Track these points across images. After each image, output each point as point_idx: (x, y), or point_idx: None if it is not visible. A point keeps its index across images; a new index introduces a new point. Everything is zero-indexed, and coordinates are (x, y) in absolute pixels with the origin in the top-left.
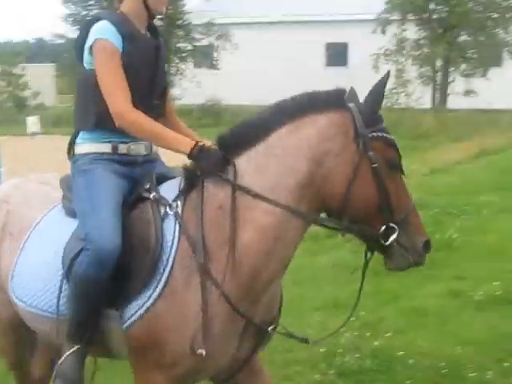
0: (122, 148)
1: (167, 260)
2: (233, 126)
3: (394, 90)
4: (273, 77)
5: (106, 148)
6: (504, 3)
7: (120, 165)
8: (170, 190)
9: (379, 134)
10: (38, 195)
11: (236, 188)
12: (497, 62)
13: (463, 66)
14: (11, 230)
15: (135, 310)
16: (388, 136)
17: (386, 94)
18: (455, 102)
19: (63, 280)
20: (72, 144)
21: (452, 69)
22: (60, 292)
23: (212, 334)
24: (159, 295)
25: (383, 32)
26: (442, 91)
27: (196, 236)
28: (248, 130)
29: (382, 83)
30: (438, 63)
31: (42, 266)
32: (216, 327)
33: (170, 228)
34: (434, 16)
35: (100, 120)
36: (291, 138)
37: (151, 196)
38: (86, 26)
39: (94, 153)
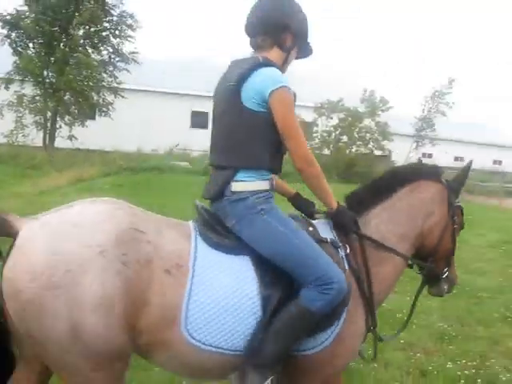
0: (272, 184)
1: None
2: (362, 185)
3: (14, 131)
4: None
5: (267, 185)
6: (98, 76)
7: None
8: (324, 232)
9: (459, 204)
10: (159, 223)
11: (366, 239)
12: (92, 116)
13: (67, 118)
14: (165, 266)
15: (326, 337)
16: (462, 206)
17: (7, 134)
18: (62, 142)
19: (262, 320)
20: (227, 182)
21: (59, 119)
22: (257, 331)
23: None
24: (343, 321)
25: (6, 88)
26: (51, 134)
27: (361, 274)
28: (377, 188)
29: (468, 169)
30: (49, 114)
31: (228, 308)
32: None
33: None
34: (47, 80)
35: (270, 159)
36: (413, 197)
37: (329, 239)
38: (250, 67)
39: (264, 190)
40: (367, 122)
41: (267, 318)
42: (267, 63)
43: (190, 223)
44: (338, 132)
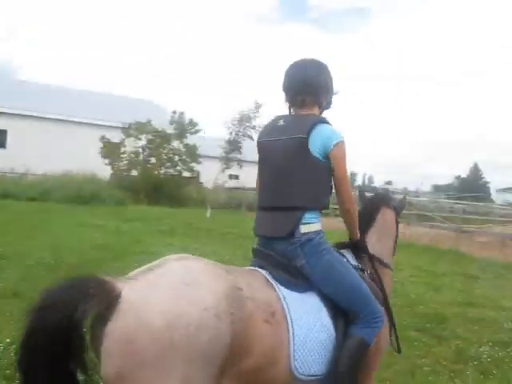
0: None
1: None
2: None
3: None
4: None
5: (321, 225)
6: None
7: None
8: (351, 259)
9: (399, 220)
10: (244, 275)
11: (374, 259)
12: None
13: None
14: (263, 317)
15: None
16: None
17: None
18: None
19: (336, 347)
20: (297, 223)
21: None
22: (333, 358)
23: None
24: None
25: None
26: None
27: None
28: (367, 212)
29: (405, 198)
30: None
31: (316, 339)
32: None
33: None
34: None
35: (326, 201)
36: (385, 218)
37: (357, 264)
38: (314, 123)
39: (321, 230)
40: (176, 143)
41: (340, 343)
42: (325, 120)
43: (258, 269)
44: (145, 153)
